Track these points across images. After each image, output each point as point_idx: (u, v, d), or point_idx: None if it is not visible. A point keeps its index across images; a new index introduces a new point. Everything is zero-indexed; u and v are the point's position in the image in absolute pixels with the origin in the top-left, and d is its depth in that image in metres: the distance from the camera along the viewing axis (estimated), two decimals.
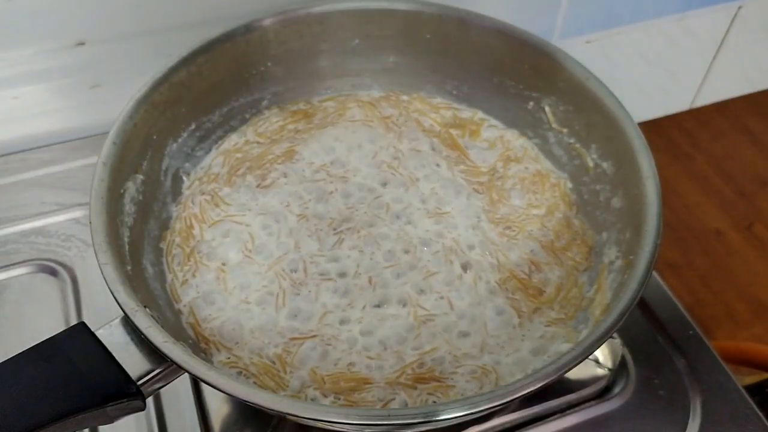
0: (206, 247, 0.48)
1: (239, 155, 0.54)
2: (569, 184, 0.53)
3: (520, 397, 0.34)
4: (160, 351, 0.35)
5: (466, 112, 0.58)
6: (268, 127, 0.56)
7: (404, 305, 0.46)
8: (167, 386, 0.37)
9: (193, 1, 0.59)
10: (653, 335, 0.51)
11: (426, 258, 0.48)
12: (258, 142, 0.55)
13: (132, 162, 0.46)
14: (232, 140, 0.55)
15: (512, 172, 0.54)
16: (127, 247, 0.42)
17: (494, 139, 0.56)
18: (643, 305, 0.53)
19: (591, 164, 0.50)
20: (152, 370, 0.36)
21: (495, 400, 0.34)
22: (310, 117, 0.57)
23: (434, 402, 0.41)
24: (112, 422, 0.36)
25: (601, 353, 0.48)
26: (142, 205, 0.46)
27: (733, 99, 0.93)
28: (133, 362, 0.36)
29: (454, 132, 0.56)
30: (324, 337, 0.44)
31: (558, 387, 0.47)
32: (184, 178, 0.52)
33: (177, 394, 0.47)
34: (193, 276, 0.46)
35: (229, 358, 0.42)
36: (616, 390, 0.48)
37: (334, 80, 0.59)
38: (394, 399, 0.41)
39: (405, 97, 0.59)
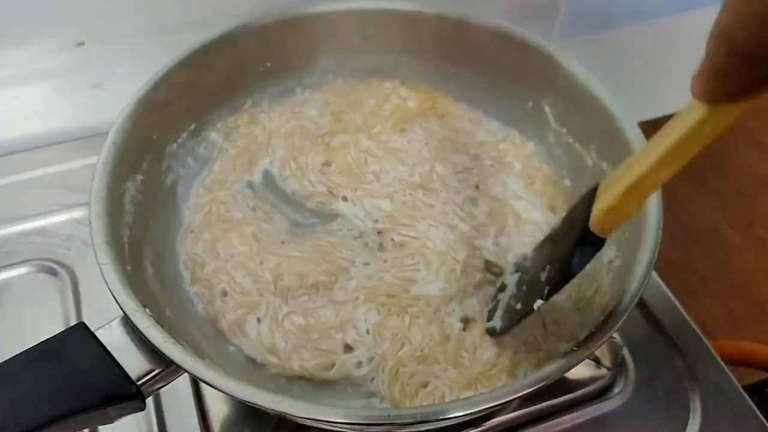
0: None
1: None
2: (568, 184, 0.53)
3: (520, 397, 0.35)
4: (160, 351, 0.35)
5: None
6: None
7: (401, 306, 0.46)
8: (167, 386, 0.37)
9: (193, 1, 0.59)
10: (653, 335, 0.51)
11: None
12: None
13: (132, 162, 0.46)
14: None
15: (510, 173, 0.54)
16: (127, 247, 0.42)
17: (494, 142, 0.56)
18: (642, 305, 0.53)
19: (590, 164, 0.50)
20: (152, 371, 0.36)
21: (495, 400, 0.34)
22: None
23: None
24: (112, 422, 0.36)
25: (601, 353, 0.48)
26: (142, 205, 0.46)
27: None
28: (133, 362, 0.35)
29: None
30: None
31: (558, 387, 0.47)
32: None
33: (177, 394, 0.46)
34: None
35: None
36: (616, 390, 0.48)
37: (335, 80, 0.59)
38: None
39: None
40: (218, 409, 0.46)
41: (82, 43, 0.59)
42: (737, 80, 0.25)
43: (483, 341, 0.44)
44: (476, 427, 0.46)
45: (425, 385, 0.43)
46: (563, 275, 0.35)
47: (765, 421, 0.47)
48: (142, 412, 0.37)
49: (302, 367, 0.43)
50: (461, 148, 0.55)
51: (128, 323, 0.36)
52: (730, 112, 0.27)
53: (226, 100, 0.55)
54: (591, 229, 0.33)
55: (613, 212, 0.32)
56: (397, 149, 0.54)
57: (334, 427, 0.35)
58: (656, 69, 0.83)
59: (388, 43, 0.56)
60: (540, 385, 0.35)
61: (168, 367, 0.36)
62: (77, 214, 0.57)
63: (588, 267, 0.42)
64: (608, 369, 0.48)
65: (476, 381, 0.43)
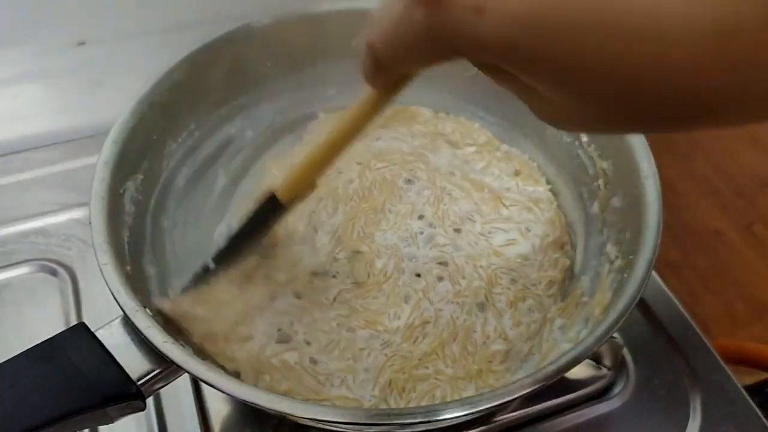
0: None
1: None
2: (567, 183, 0.53)
3: (519, 397, 0.34)
4: (160, 351, 0.35)
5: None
6: None
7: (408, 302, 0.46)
8: (167, 386, 0.37)
9: (193, 1, 0.59)
10: (653, 335, 0.51)
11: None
12: None
13: (132, 162, 0.46)
14: None
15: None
16: (127, 247, 0.42)
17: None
18: (643, 305, 0.53)
19: (590, 163, 0.50)
20: (152, 371, 0.36)
21: (495, 400, 0.34)
22: None
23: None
24: (112, 422, 0.36)
25: (601, 353, 0.48)
26: (142, 205, 0.46)
27: None
28: (133, 362, 0.35)
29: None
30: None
31: (558, 387, 0.47)
32: None
33: (177, 394, 0.47)
34: None
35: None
36: (616, 390, 0.48)
37: (335, 80, 0.58)
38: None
39: None
40: (218, 409, 0.46)
41: (82, 43, 0.59)
42: (380, 80, 0.33)
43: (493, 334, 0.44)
44: (476, 427, 0.46)
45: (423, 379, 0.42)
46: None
47: (766, 422, 0.47)
48: (142, 412, 0.37)
49: (291, 391, 0.42)
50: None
51: (128, 323, 0.36)
52: (383, 97, 0.34)
53: (226, 100, 0.55)
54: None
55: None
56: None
57: (334, 427, 0.35)
58: None
59: None
60: (540, 385, 0.35)
61: (168, 367, 0.36)
62: (77, 214, 0.57)
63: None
64: (608, 369, 0.48)
65: (477, 376, 0.43)
